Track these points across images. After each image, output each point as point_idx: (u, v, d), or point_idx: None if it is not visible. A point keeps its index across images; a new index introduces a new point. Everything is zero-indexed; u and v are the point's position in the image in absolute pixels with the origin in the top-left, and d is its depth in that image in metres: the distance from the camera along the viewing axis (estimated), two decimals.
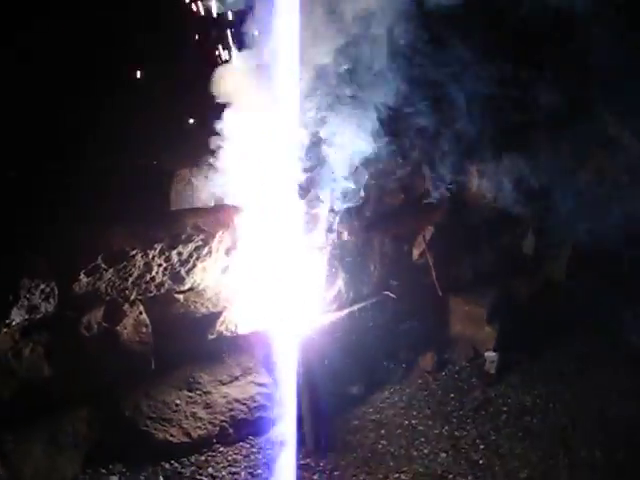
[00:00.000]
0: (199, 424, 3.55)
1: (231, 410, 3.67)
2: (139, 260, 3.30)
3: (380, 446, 3.73)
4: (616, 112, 4.74)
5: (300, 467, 3.48)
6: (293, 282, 3.81)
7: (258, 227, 3.68)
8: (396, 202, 4.55)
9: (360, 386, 4.12)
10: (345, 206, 4.04)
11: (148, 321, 3.51)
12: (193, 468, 3.42)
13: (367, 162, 3.91)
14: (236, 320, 3.83)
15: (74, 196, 3.11)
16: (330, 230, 4.07)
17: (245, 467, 3.49)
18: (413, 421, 3.96)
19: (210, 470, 3.43)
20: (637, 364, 4.54)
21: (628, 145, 4.86)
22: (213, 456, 3.52)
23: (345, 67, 3.58)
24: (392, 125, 3.91)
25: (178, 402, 3.55)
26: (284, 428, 3.63)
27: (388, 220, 4.53)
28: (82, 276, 3.11)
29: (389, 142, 3.95)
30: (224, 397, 3.68)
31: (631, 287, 4.88)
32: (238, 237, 3.66)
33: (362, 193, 3.99)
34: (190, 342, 3.64)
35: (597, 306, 4.84)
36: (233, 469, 3.46)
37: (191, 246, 3.47)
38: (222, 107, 3.46)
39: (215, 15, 3.51)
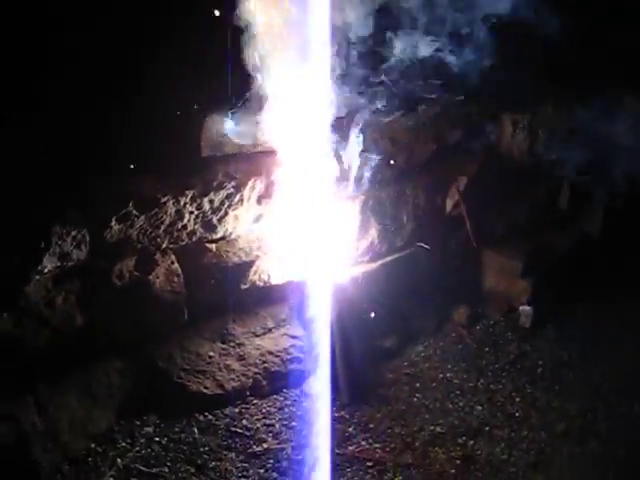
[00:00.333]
0: (232, 376, 3.49)
1: (264, 362, 3.60)
2: (170, 207, 3.17)
3: (415, 399, 3.68)
4: None
5: (335, 419, 3.43)
6: (326, 232, 3.68)
7: (292, 175, 3.54)
8: (429, 152, 4.39)
9: (394, 339, 4.05)
10: (378, 156, 3.90)
11: (180, 271, 3.42)
12: (227, 420, 3.38)
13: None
14: (269, 270, 3.72)
15: (107, 146, 2.96)
16: (363, 180, 3.94)
17: (279, 419, 3.44)
18: (448, 374, 3.90)
19: (244, 422, 3.38)
20: None
21: None
22: (247, 408, 3.48)
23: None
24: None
25: (212, 354, 3.49)
26: (318, 381, 3.55)
27: (421, 170, 4.37)
28: (113, 223, 2.99)
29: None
30: (257, 349, 3.62)
31: None
32: (271, 185, 3.52)
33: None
34: (223, 293, 3.54)
35: (633, 263, 4.72)
36: (267, 421, 3.42)
37: (223, 193, 3.34)
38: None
39: None
